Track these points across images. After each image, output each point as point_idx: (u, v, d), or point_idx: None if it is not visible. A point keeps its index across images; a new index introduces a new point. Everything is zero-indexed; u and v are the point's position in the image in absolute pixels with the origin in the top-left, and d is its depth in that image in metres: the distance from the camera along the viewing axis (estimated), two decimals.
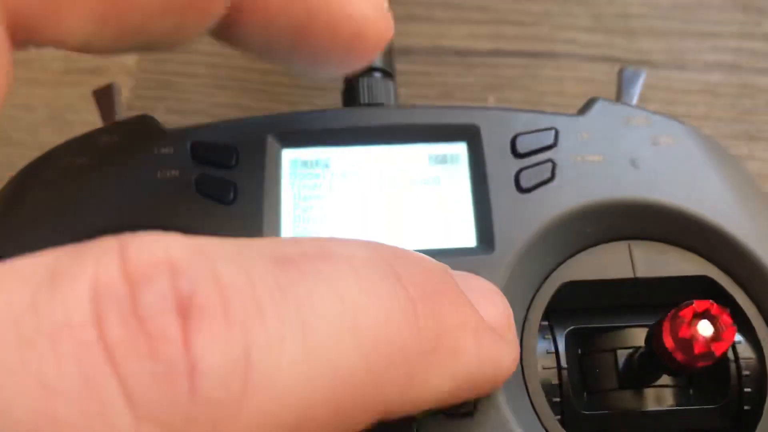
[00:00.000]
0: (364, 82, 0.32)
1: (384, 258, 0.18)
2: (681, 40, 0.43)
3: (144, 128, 0.28)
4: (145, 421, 0.14)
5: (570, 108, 0.30)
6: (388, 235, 0.27)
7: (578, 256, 0.27)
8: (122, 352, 0.14)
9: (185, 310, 0.15)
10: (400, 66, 0.40)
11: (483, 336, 0.19)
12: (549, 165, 0.27)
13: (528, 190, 0.27)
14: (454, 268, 0.21)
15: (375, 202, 0.27)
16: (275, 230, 0.27)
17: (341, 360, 0.16)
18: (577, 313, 0.26)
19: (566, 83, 0.41)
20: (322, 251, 0.18)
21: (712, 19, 0.44)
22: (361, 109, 0.31)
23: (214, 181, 0.27)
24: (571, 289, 0.26)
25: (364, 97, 0.32)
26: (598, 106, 0.29)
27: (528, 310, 0.26)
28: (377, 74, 0.33)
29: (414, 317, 0.18)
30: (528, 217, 0.26)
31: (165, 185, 0.27)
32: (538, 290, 0.26)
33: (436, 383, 0.18)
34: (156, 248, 0.15)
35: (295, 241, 0.18)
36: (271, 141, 0.28)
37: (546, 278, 0.26)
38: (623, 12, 0.43)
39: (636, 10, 0.43)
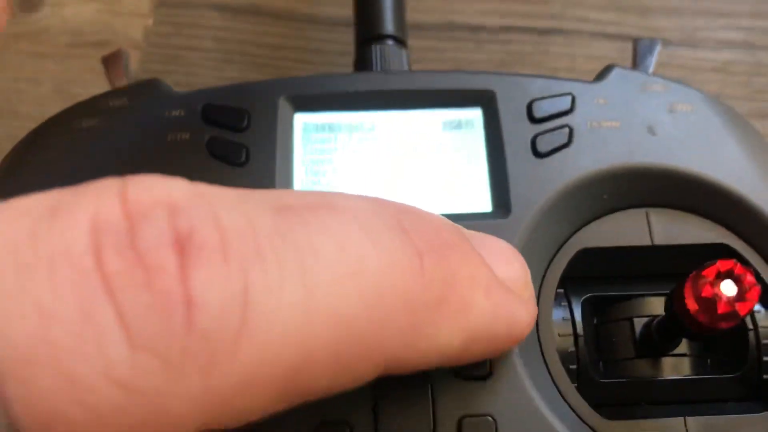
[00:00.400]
0: (377, 49, 0.31)
1: (390, 211, 0.18)
2: (693, 18, 0.43)
3: (153, 91, 0.28)
4: (141, 351, 0.14)
5: None
6: (401, 199, 0.26)
7: (595, 223, 0.26)
8: (119, 281, 0.14)
9: (183, 247, 0.15)
10: (411, 41, 0.40)
11: (495, 292, 0.19)
12: (566, 130, 0.27)
13: (544, 155, 0.26)
14: (471, 224, 0.21)
15: (388, 168, 0.27)
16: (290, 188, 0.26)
17: (342, 305, 0.16)
18: (594, 281, 0.26)
19: (578, 60, 0.41)
20: (325, 202, 0.17)
21: None
22: (374, 74, 0.30)
23: (225, 144, 0.26)
24: (587, 255, 0.26)
25: (377, 65, 0.31)
26: (614, 73, 0.28)
27: (544, 276, 0.25)
28: (390, 41, 0.32)
29: (420, 268, 0.17)
30: (544, 182, 0.26)
31: (175, 148, 0.26)
32: (554, 257, 0.26)
33: (445, 337, 0.18)
34: (157, 189, 0.15)
35: (299, 193, 0.18)
36: (283, 104, 0.27)
37: (562, 245, 0.26)
38: None
39: None
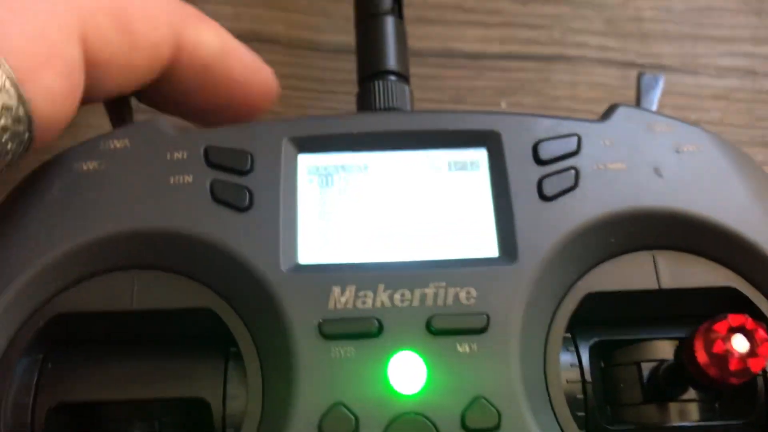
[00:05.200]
0: (379, 85, 0.31)
1: None
2: (694, 45, 0.42)
3: (155, 132, 0.27)
4: None
5: (584, 113, 0.29)
6: (406, 243, 0.26)
7: (602, 266, 0.26)
8: None
9: None
10: (411, 69, 0.39)
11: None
12: (572, 173, 0.26)
13: (551, 198, 0.26)
14: (476, 279, 0.25)
15: (393, 210, 0.27)
16: (292, 237, 0.26)
17: None
18: (601, 325, 0.26)
19: (579, 87, 0.41)
20: None
21: (726, 23, 0.43)
22: (378, 115, 0.30)
23: (228, 187, 0.26)
24: (594, 300, 0.25)
25: (379, 102, 0.31)
26: (620, 113, 0.28)
27: (551, 322, 0.25)
28: (392, 77, 0.32)
29: None
30: (551, 226, 0.25)
31: (178, 191, 0.26)
32: (561, 301, 0.25)
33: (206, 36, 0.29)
34: None
35: None
36: (286, 146, 0.27)
37: (569, 289, 0.25)
38: (636, 15, 0.43)
39: (649, 13, 0.43)
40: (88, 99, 0.27)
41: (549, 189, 0.26)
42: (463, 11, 0.43)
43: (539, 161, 0.27)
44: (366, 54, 0.33)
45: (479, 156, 0.27)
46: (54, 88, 0.24)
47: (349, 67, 0.35)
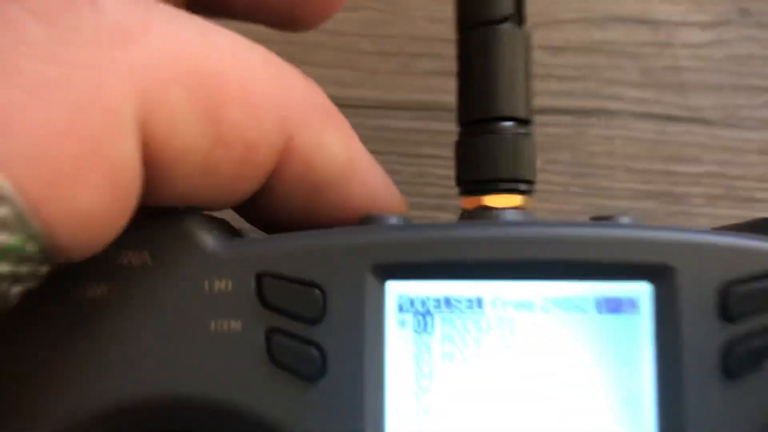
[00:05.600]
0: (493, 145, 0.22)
1: None
2: (734, 95, 0.41)
3: (188, 243, 0.20)
4: (54, 27, 0.15)
5: (622, 170, 0.26)
6: (531, 421, 0.20)
7: None
8: None
9: None
10: (439, 124, 0.38)
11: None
12: None
13: (739, 376, 0.19)
14: None
15: (516, 367, 0.20)
16: (380, 419, 0.19)
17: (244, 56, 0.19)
18: None
19: (616, 142, 0.39)
20: None
21: (766, 72, 0.41)
22: (494, 229, 0.21)
23: (292, 344, 0.19)
24: None
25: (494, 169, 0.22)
26: None
27: None
28: (520, 129, 0.22)
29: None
30: (737, 418, 0.19)
31: (222, 343, 0.19)
32: None
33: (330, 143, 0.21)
34: None
35: None
36: (370, 275, 0.19)
37: None
38: (674, 65, 0.41)
39: (687, 63, 0.41)
40: (144, 206, 0.19)
41: (738, 361, 0.19)
42: None
43: (728, 317, 0.19)
44: (474, 90, 0.23)
45: (639, 292, 0.20)
46: (91, 206, 0.16)
47: (374, 123, 0.33)
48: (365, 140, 0.38)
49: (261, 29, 0.41)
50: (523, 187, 0.22)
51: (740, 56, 0.41)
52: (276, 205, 0.21)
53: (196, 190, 0.19)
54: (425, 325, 0.20)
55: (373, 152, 0.31)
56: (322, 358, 0.19)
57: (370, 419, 0.19)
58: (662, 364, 0.19)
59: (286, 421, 0.19)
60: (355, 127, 0.39)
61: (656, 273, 0.20)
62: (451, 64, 0.40)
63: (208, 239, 0.20)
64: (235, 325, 0.19)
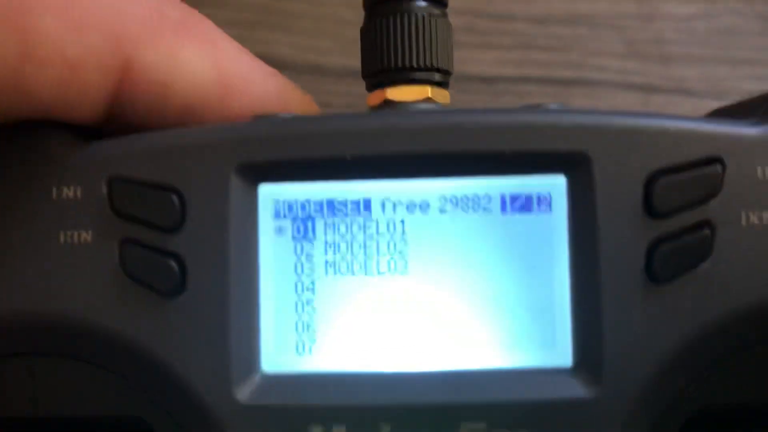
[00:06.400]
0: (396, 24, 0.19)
1: None
2: (717, 67, 0.41)
3: (36, 146, 0.18)
4: None
5: None
6: (426, 343, 0.18)
7: (728, 364, 0.18)
8: None
9: None
10: None
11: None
12: (705, 234, 0.17)
13: (665, 280, 0.17)
14: (532, 416, 0.16)
15: (409, 283, 0.18)
16: (251, 336, 0.17)
17: None
18: None
19: None
20: None
21: (749, 45, 0.41)
22: (388, 116, 0.19)
23: (147, 256, 0.17)
24: (712, 417, 0.18)
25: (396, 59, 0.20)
26: None
27: None
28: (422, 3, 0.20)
29: None
30: (663, 326, 0.17)
31: (72, 256, 0.17)
32: (661, 421, 0.17)
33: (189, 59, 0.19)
34: None
35: None
36: (237, 175, 0.17)
37: (674, 404, 0.17)
38: (657, 37, 0.41)
39: (671, 35, 0.41)
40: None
41: (665, 263, 0.17)
42: (477, 33, 0.41)
43: (654, 212, 0.17)
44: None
45: (553, 189, 0.18)
46: None
47: (357, 90, 0.33)
48: (349, 106, 0.38)
49: None
50: (436, 77, 0.20)
51: (724, 29, 0.41)
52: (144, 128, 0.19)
53: (15, 106, 0.17)
54: (306, 231, 0.18)
55: None
56: (181, 271, 0.17)
57: (238, 337, 0.17)
58: (578, 268, 0.17)
59: (144, 340, 0.17)
60: (337, 94, 0.39)
61: (571, 164, 0.17)
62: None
63: (56, 145, 0.18)
64: (86, 236, 0.17)
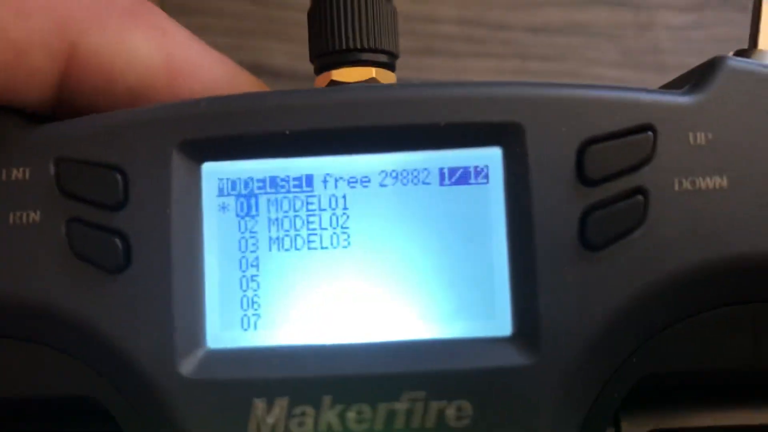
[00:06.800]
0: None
1: None
2: None
3: None
4: None
5: None
6: (366, 314, 0.18)
7: (667, 333, 0.18)
8: None
9: None
10: None
11: None
12: (637, 201, 0.17)
13: (599, 247, 0.17)
14: (471, 385, 0.17)
15: (348, 256, 0.18)
16: (195, 311, 0.18)
17: None
18: (660, 411, 0.19)
19: None
20: None
21: None
22: (328, 92, 0.19)
23: (92, 234, 0.18)
24: (652, 383, 0.18)
25: (336, 40, 0.20)
26: (725, 75, 0.18)
27: (590, 414, 0.18)
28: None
29: None
30: (598, 293, 0.17)
31: (21, 236, 0.18)
32: (603, 389, 0.18)
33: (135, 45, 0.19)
34: None
35: None
36: (180, 153, 0.18)
37: (616, 371, 0.18)
38: (653, 46, 0.41)
39: (666, 45, 0.41)
40: None
41: (598, 230, 0.17)
42: (474, 42, 0.41)
43: (587, 180, 0.17)
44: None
45: (489, 162, 0.18)
46: None
47: None
48: None
49: (239, 6, 0.41)
50: (381, 58, 0.20)
51: (720, 39, 0.41)
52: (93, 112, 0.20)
53: None
54: (249, 208, 0.18)
55: None
56: (125, 248, 0.17)
57: (182, 312, 0.17)
58: (514, 238, 0.17)
59: (90, 316, 0.17)
60: None
61: (505, 135, 0.17)
62: (426, 43, 0.40)
63: (3, 127, 0.18)
64: (34, 216, 0.18)
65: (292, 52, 0.40)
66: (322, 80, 0.21)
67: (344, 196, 0.18)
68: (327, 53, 0.20)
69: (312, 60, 0.21)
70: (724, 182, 0.17)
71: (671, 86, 0.19)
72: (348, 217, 0.18)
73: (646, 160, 0.17)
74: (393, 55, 0.21)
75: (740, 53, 0.20)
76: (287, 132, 0.18)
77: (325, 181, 0.18)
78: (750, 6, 0.41)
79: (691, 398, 0.19)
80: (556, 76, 0.40)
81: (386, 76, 0.20)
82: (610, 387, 0.18)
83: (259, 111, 0.18)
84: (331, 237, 0.18)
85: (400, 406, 0.17)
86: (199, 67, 0.20)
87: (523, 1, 0.41)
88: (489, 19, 0.41)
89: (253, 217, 0.18)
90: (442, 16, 0.40)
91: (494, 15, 0.41)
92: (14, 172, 0.18)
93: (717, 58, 0.19)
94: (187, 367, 0.17)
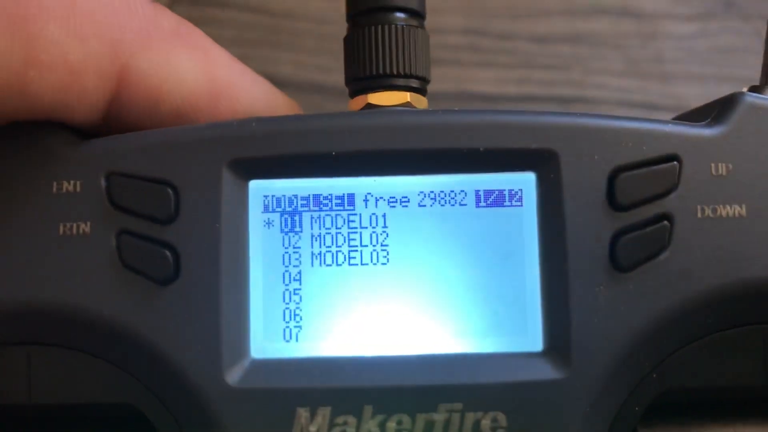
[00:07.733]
0: (376, 34, 0.21)
1: None
2: (716, 85, 0.41)
3: (36, 144, 0.19)
4: None
5: None
6: (405, 330, 0.19)
7: (686, 351, 0.19)
8: None
9: None
10: None
11: None
12: (664, 226, 0.18)
13: (628, 268, 0.18)
14: (506, 398, 0.18)
15: (391, 271, 0.19)
16: (240, 323, 0.18)
17: None
18: (676, 423, 0.20)
19: None
20: None
21: (748, 63, 0.42)
22: (368, 116, 0.20)
23: (142, 247, 0.18)
24: (674, 397, 0.19)
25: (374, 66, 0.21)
26: (743, 110, 0.19)
27: (613, 425, 0.19)
28: (400, 14, 0.21)
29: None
30: (626, 311, 0.18)
31: (70, 246, 0.18)
32: (626, 401, 0.19)
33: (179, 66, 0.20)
34: None
35: None
36: (228, 170, 0.19)
37: (639, 384, 0.19)
38: (657, 56, 0.41)
39: (670, 54, 0.41)
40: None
41: (628, 253, 0.18)
42: (479, 52, 0.41)
43: (617, 205, 0.18)
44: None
45: (524, 186, 0.19)
46: None
47: None
48: None
49: (246, 16, 0.41)
50: (414, 83, 0.21)
51: (724, 48, 0.42)
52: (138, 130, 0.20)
53: (18, 108, 0.18)
54: (293, 224, 0.19)
55: None
56: (174, 260, 0.18)
57: (229, 324, 0.18)
58: (547, 258, 0.19)
59: (138, 326, 0.18)
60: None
61: (539, 161, 0.19)
62: (436, 54, 0.40)
63: (57, 142, 0.19)
64: (84, 227, 0.19)
65: (298, 62, 0.40)
66: (357, 103, 0.21)
67: (384, 215, 0.19)
68: (363, 78, 0.21)
69: (347, 83, 0.22)
70: (743, 211, 0.18)
71: (686, 117, 0.21)
72: (387, 235, 0.19)
73: (672, 188, 0.19)
74: (425, 81, 0.22)
75: (754, 89, 0.21)
76: (333, 153, 0.18)
77: (366, 200, 0.19)
78: (754, 15, 0.41)
79: (705, 411, 0.20)
80: (561, 85, 0.40)
81: (419, 101, 0.21)
82: (632, 401, 0.19)
83: (304, 133, 0.19)
84: (371, 254, 0.19)
85: (438, 416, 0.18)
86: (239, 88, 0.21)
87: (527, 11, 0.41)
88: (494, 29, 0.41)
89: (296, 233, 0.19)
90: (447, 26, 0.41)
91: (499, 25, 0.41)
92: (65, 184, 0.19)
93: (736, 93, 0.20)
94: (233, 376, 0.18)
